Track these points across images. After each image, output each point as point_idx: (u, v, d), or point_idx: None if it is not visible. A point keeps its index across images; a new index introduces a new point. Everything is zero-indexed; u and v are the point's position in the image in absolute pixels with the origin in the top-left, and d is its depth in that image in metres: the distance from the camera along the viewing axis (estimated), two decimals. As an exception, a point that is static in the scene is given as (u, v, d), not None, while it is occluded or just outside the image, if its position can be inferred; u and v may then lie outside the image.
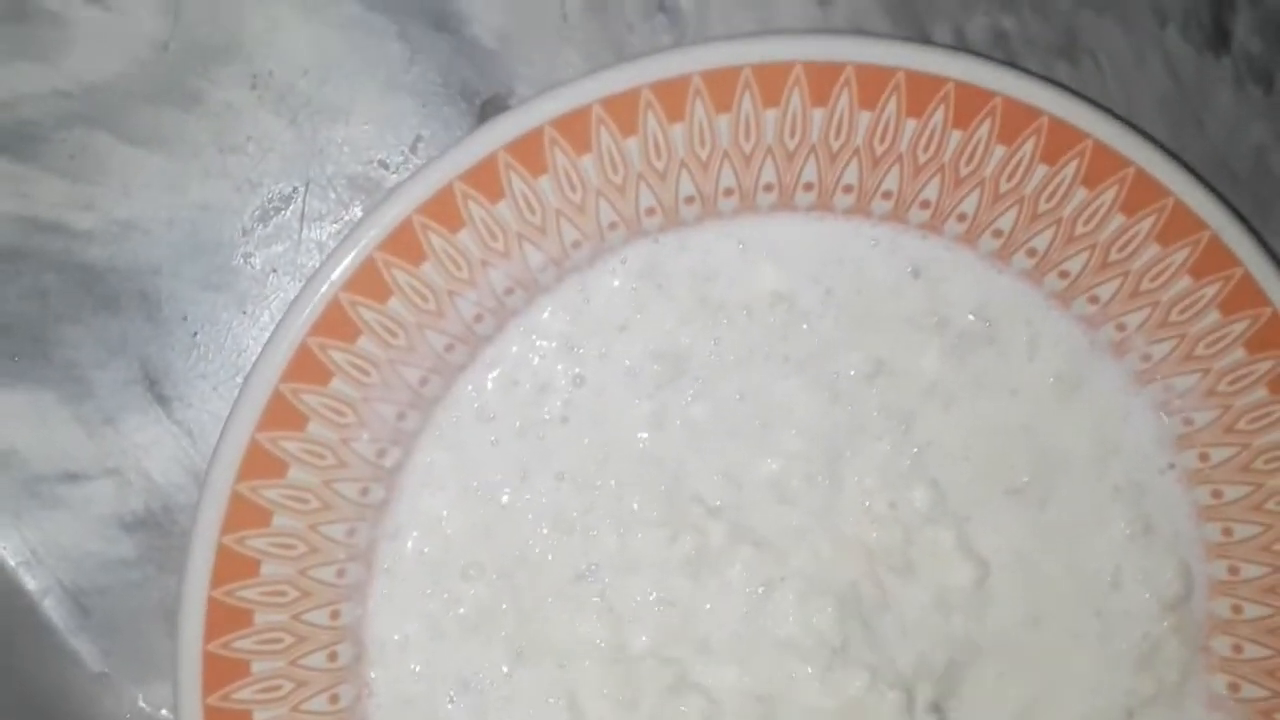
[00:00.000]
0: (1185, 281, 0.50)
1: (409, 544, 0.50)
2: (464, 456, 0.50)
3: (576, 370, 0.51)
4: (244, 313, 0.54)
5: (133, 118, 0.53)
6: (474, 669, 0.51)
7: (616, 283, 0.51)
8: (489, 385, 0.51)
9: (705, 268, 0.52)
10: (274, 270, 0.54)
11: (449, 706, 0.51)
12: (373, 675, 0.50)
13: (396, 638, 0.50)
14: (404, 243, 0.47)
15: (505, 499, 0.51)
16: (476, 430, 0.50)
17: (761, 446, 0.52)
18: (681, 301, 0.52)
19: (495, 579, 0.51)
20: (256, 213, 0.54)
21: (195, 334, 0.54)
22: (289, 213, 0.54)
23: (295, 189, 0.54)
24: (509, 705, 0.51)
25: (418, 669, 0.50)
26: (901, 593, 0.53)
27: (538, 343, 0.51)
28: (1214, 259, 0.50)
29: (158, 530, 0.53)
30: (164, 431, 0.54)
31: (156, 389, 0.54)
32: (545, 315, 0.51)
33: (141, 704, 0.54)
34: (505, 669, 0.51)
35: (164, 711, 0.54)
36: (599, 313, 0.51)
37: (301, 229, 0.54)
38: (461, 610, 0.51)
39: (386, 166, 0.54)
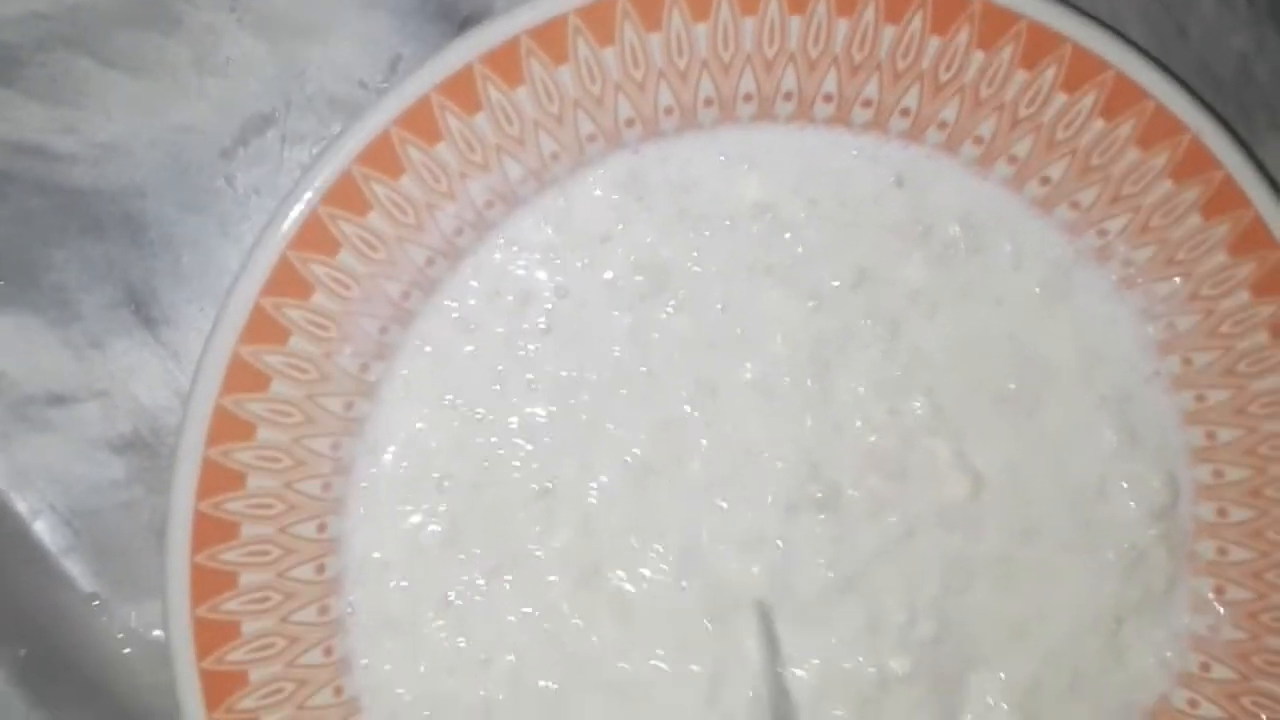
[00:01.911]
0: (1166, 185, 0.50)
1: (387, 458, 0.50)
2: (444, 369, 0.50)
3: (559, 280, 0.51)
4: (227, 234, 0.54)
5: (113, 41, 0.53)
6: (452, 584, 0.51)
7: (598, 193, 0.51)
8: (470, 296, 0.50)
9: (687, 179, 0.52)
10: (256, 192, 0.54)
11: (432, 622, 0.51)
12: (353, 597, 0.50)
13: (376, 555, 0.50)
14: (382, 156, 0.48)
15: (481, 412, 0.50)
16: (457, 341, 0.50)
17: (743, 354, 0.52)
18: (663, 213, 0.51)
19: (469, 491, 0.51)
20: (237, 134, 0.54)
21: (179, 256, 0.54)
22: (270, 134, 0.54)
23: (275, 110, 0.54)
24: (489, 618, 0.51)
25: (397, 586, 0.50)
26: (896, 503, 0.53)
27: (520, 253, 0.51)
28: (1194, 162, 0.50)
29: (146, 451, 0.53)
30: (150, 354, 0.54)
31: (143, 311, 0.54)
32: (527, 226, 0.51)
33: (134, 624, 0.54)
34: (482, 582, 0.51)
35: (156, 632, 0.54)
36: (581, 224, 0.51)
37: (283, 150, 0.54)
38: (437, 526, 0.50)
39: (366, 86, 0.54)
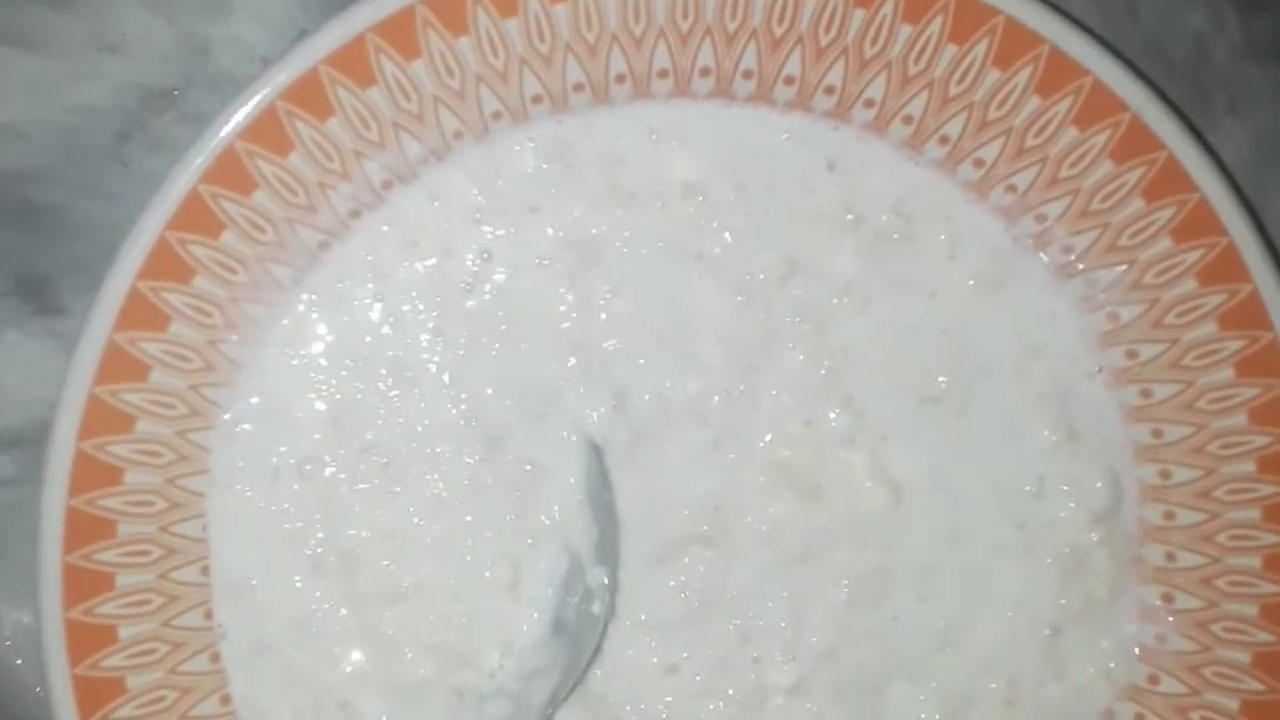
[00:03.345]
0: (1106, 167, 0.47)
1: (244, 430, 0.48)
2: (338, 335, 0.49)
3: (485, 244, 0.49)
4: (125, 220, 0.51)
5: (4, 16, 0.50)
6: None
7: (528, 158, 0.49)
8: (382, 246, 0.49)
9: (614, 153, 0.49)
10: (155, 176, 0.51)
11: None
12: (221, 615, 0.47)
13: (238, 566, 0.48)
14: (268, 132, 0.45)
15: (385, 371, 0.49)
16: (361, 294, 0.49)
17: (670, 362, 0.50)
18: (591, 186, 0.49)
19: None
20: (136, 115, 0.52)
21: (74, 243, 0.51)
22: (170, 115, 0.51)
23: (176, 89, 0.51)
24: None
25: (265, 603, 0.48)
26: (799, 523, 0.50)
27: (443, 210, 0.49)
28: (1136, 142, 0.47)
29: (35, 448, 0.51)
30: (42, 345, 0.52)
31: (34, 301, 0.52)
32: (453, 183, 0.49)
33: (24, 630, 0.51)
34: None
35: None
36: (508, 190, 0.49)
37: (184, 132, 0.51)
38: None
39: (270, 63, 0.51)
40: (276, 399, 0.47)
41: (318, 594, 0.48)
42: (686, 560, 0.50)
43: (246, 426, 0.47)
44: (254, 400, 0.47)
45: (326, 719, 0.48)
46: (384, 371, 0.48)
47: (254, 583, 0.47)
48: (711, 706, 0.49)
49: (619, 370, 0.49)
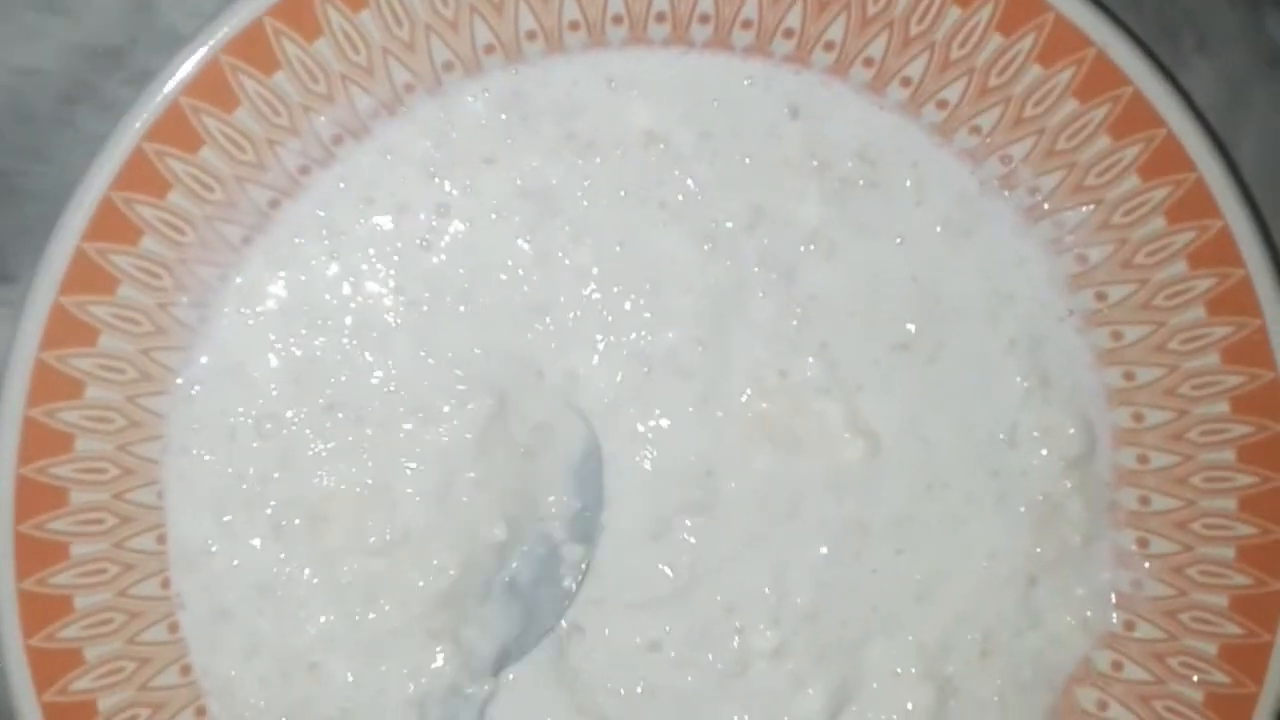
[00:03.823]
0: (1071, 105, 0.47)
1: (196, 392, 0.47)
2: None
3: (440, 198, 0.48)
4: (74, 184, 0.50)
5: (-57, -21, 0.49)
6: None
7: (481, 108, 0.48)
8: (337, 202, 0.48)
9: (572, 102, 0.48)
10: (104, 138, 0.50)
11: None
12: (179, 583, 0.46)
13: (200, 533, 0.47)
14: (213, 87, 0.44)
15: (347, 328, 0.48)
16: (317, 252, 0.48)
17: (647, 310, 0.49)
18: (547, 137, 0.48)
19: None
20: (82, 76, 0.50)
21: (22, 208, 0.50)
22: (118, 75, 0.50)
23: (122, 49, 0.50)
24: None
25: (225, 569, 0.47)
26: (791, 473, 0.50)
27: (396, 163, 0.48)
28: (1101, 78, 0.47)
29: (-11, 417, 0.49)
30: (-4, 314, 0.50)
31: (-15, 270, 0.50)
32: (405, 137, 0.47)
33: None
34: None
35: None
36: (462, 141, 0.47)
37: (131, 91, 0.50)
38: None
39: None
40: (232, 359, 0.46)
41: (281, 555, 0.47)
42: (677, 534, 0.49)
43: (199, 388, 0.46)
44: (205, 360, 0.46)
45: (295, 683, 0.46)
46: (346, 328, 0.47)
47: (213, 549, 0.46)
48: (690, 678, 0.49)
49: (592, 324, 0.49)
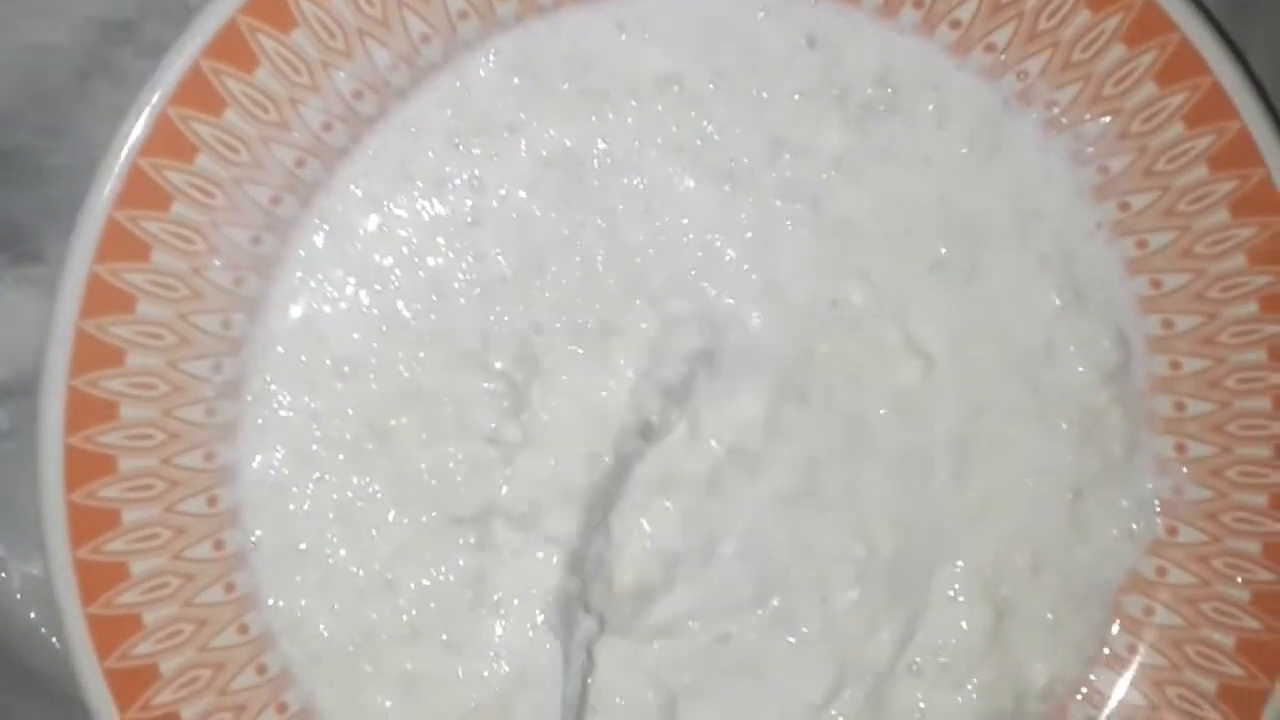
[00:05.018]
0: (1084, 16, 0.47)
1: (279, 351, 0.48)
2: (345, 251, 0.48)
3: (473, 170, 0.48)
4: (94, 159, 0.50)
5: (-51, -39, 0.49)
6: (351, 497, 0.48)
7: (492, 73, 0.47)
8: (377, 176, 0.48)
9: (583, 54, 0.48)
10: (121, 111, 0.50)
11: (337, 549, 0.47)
12: (256, 530, 0.47)
13: (271, 474, 0.47)
14: (232, 48, 0.44)
15: (404, 307, 0.48)
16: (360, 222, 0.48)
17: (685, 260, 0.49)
18: (561, 95, 0.48)
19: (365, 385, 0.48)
20: (95, 50, 0.50)
21: (45, 186, 0.50)
22: (130, 47, 0.50)
23: (132, 21, 0.50)
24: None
25: (298, 510, 0.47)
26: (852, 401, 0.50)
27: (421, 137, 0.48)
28: (1113, -12, 0.46)
29: (28, 398, 0.50)
30: (24, 294, 0.51)
31: (10, 249, 0.50)
32: (426, 105, 0.48)
33: (36, 573, 0.50)
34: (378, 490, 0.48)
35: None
36: (482, 110, 0.48)
37: (145, 63, 0.50)
38: (334, 432, 0.47)
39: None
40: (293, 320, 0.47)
41: (355, 480, 0.48)
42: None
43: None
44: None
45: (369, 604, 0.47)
46: (407, 296, 0.48)
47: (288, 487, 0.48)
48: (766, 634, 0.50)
49: (654, 280, 0.49)
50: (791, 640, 0.50)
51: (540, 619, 0.48)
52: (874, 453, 0.50)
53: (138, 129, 0.44)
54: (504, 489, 0.49)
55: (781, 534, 0.50)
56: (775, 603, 0.50)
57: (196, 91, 0.44)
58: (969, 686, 0.50)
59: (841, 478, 0.50)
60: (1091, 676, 0.50)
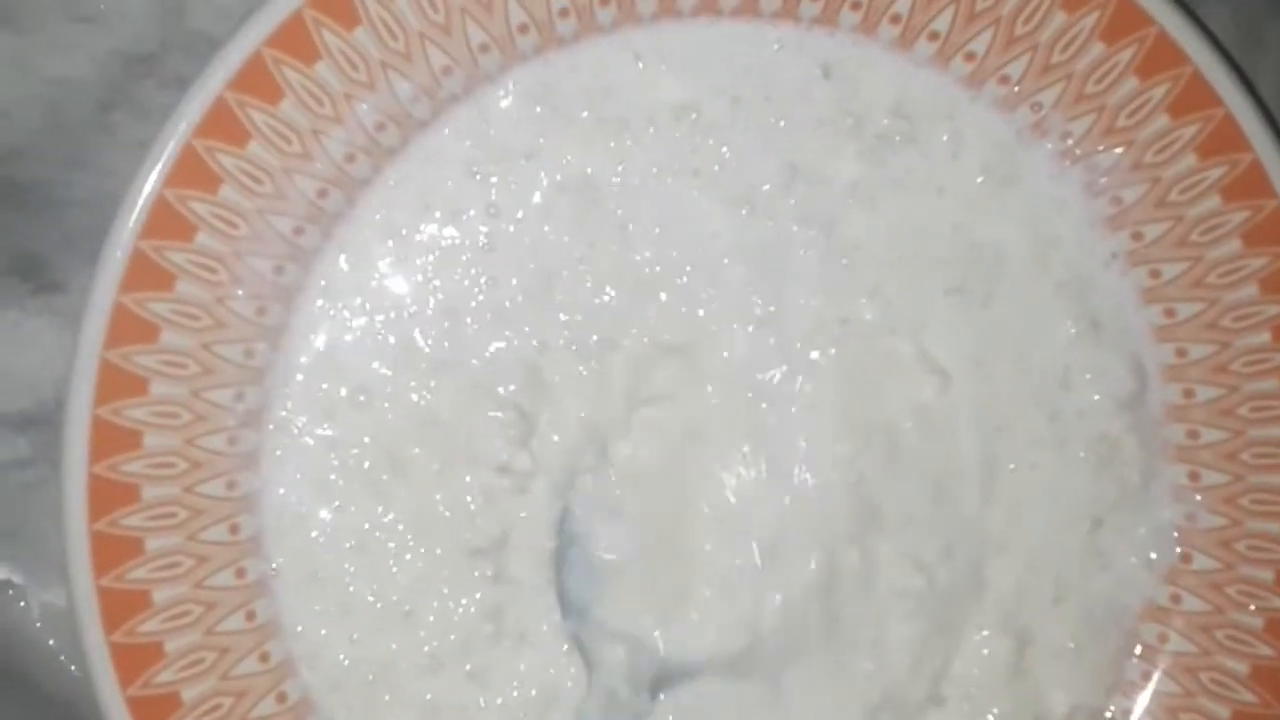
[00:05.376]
0: (1098, 49, 0.47)
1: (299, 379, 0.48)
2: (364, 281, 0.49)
3: (490, 198, 0.49)
4: (115, 190, 0.50)
5: (-27, -5, 0.49)
6: (370, 527, 0.48)
7: (505, 104, 0.48)
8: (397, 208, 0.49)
9: (602, 85, 0.49)
10: (141, 143, 0.50)
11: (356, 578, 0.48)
12: (278, 558, 0.47)
13: (293, 501, 0.47)
14: (257, 80, 0.45)
15: (419, 335, 0.49)
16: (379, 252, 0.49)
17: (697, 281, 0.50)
18: (581, 124, 0.49)
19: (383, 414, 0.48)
20: (116, 83, 0.51)
21: (66, 218, 0.51)
22: (150, 81, 0.50)
23: (154, 54, 0.50)
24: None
25: (318, 538, 0.47)
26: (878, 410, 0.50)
27: (441, 167, 0.49)
28: (1126, 20, 0.47)
29: (49, 426, 0.50)
30: (45, 323, 0.51)
31: (32, 279, 0.51)
32: (445, 138, 0.48)
33: (55, 601, 0.51)
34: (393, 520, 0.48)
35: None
36: (500, 139, 0.48)
37: (167, 96, 0.50)
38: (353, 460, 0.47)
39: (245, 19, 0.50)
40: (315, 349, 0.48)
41: (372, 509, 0.48)
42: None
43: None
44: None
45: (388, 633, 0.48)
46: (423, 324, 0.49)
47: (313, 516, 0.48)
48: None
49: (646, 307, 0.49)
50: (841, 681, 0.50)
51: (565, 649, 0.47)
52: (908, 468, 0.50)
53: (163, 160, 0.43)
54: (521, 515, 0.48)
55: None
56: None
57: (221, 123, 0.44)
58: (990, 716, 0.49)
59: (890, 492, 0.50)
60: (1110, 704, 0.50)
